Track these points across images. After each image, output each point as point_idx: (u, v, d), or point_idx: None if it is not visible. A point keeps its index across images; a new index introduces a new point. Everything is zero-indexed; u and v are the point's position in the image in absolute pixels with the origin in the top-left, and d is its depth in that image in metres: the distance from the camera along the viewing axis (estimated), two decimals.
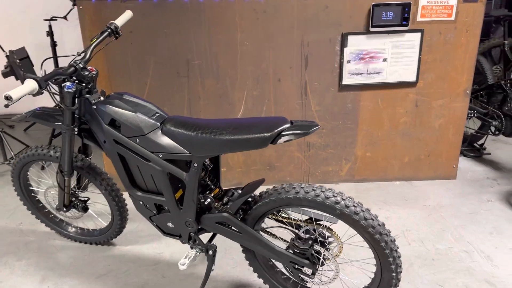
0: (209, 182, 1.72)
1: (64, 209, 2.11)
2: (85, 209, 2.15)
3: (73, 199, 2.12)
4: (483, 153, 3.24)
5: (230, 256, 2.18)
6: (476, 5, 2.51)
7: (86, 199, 2.16)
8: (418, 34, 2.56)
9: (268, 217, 1.70)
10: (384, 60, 2.62)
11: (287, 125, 1.46)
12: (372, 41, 2.57)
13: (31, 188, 2.27)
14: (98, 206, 2.58)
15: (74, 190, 2.13)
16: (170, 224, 1.79)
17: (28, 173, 2.22)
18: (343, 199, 1.51)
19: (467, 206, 2.62)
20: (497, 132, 2.98)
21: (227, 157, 2.85)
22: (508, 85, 2.93)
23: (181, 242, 1.82)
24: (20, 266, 2.15)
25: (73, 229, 2.34)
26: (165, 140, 1.60)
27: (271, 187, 1.64)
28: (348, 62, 2.61)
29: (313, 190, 1.53)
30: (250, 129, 1.48)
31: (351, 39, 2.56)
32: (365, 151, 2.88)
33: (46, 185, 2.24)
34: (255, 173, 2.90)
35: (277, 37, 2.56)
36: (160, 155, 1.61)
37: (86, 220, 2.52)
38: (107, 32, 1.82)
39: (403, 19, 2.49)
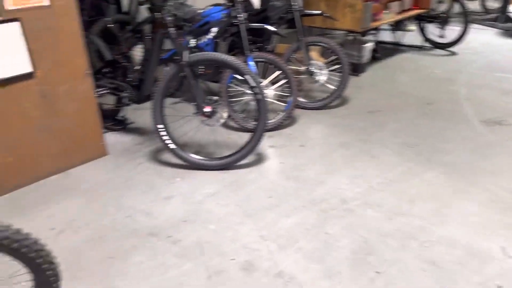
0: None
1: None
2: None
3: None
4: (127, 124, 3.54)
5: None
6: None
7: None
8: (16, 24, 2.41)
9: None
10: None
11: None
12: None
13: None
14: None
15: None
16: None
17: None
18: None
19: (122, 176, 2.84)
20: (129, 102, 3.29)
21: None
22: (123, 58, 3.24)
23: None
24: None
25: None
26: None
27: None
28: None
29: None
30: None
31: None
32: (5, 157, 2.60)
33: None
34: None
35: None
36: None
37: None
38: None
39: None
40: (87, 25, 3.31)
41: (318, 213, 2.38)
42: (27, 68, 2.53)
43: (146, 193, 2.64)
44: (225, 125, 3.28)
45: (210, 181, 2.76)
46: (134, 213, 2.45)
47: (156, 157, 3.07)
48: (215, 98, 2.84)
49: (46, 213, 2.46)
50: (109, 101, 3.49)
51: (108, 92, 3.32)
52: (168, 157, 3.01)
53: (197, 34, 3.48)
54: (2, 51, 2.40)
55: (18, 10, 2.41)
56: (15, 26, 2.42)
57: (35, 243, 1.48)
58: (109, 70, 3.37)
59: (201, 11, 3.57)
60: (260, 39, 3.77)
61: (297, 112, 3.61)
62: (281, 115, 3.38)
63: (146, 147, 3.23)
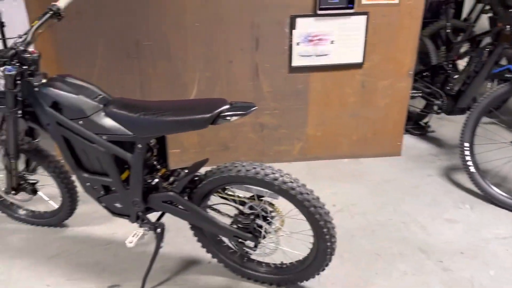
0: (155, 162, 1.77)
1: (13, 192, 2.10)
2: (34, 191, 2.15)
3: (22, 182, 2.11)
4: (428, 131, 3.42)
5: (182, 234, 2.25)
6: None
7: (35, 181, 2.16)
8: (364, 17, 2.66)
9: (214, 195, 1.77)
10: (332, 42, 2.70)
11: (227, 107, 1.53)
12: (320, 23, 2.65)
13: None
14: (49, 188, 2.57)
15: (23, 173, 2.12)
16: (118, 205, 1.84)
17: None
18: (281, 176, 1.60)
19: (409, 181, 2.80)
20: (439, 111, 3.16)
21: (181, 138, 2.89)
22: (450, 65, 3.10)
23: (130, 222, 1.87)
24: None
25: (24, 212, 2.34)
26: (109, 122, 1.63)
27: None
28: (298, 44, 2.68)
29: (254, 168, 1.62)
30: (191, 110, 1.54)
31: (299, 21, 2.62)
32: (316, 131, 2.99)
33: None
34: (210, 154, 2.96)
35: (227, 19, 2.60)
36: (104, 137, 1.65)
37: (38, 202, 2.52)
38: (48, 15, 1.80)
39: (349, 2, 2.57)
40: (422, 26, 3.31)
41: None
42: (358, 58, 2.77)
43: (429, 207, 2.52)
44: None
45: (506, 222, 2.37)
46: (410, 221, 2.39)
47: (448, 174, 2.86)
48: None
49: (332, 189, 2.71)
50: (417, 104, 3.45)
51: (420, 96, 3.27)
52: (462, 179, 2.76)
53: None
54: (347, 40, 2.70)
55: (369, 4, 2.64)
56: (362, 19, 2.67)
57: (327, 214, 1.65)
58: (428, 74, 3.30)
59: None
60: None
61: None
62: None
63: (440, 160, 3.05)
